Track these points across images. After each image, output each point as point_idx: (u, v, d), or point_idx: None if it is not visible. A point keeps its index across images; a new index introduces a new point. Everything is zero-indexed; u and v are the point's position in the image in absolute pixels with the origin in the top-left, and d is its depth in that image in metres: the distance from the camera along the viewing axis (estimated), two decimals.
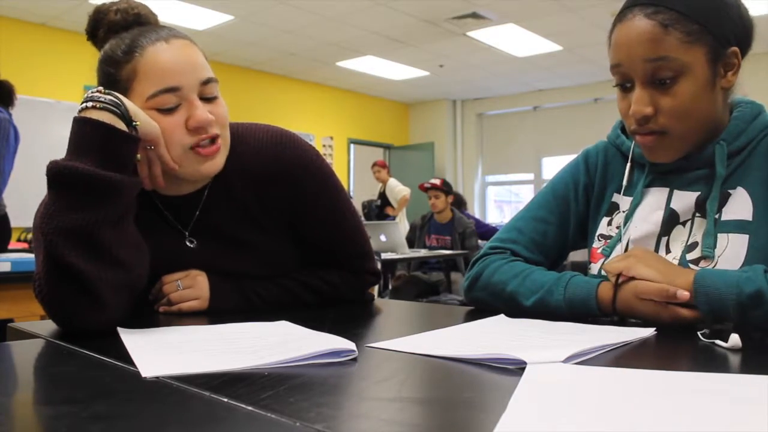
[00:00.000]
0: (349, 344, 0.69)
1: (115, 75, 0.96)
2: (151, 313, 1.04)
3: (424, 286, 4.68)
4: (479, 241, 5.17)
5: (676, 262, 0.95)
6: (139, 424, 0.47)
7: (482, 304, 1.07)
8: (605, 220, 1.09)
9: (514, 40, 6.75)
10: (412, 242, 5.41)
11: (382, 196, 7.22)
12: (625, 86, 0.96)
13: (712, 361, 0.68)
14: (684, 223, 0.99)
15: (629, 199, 1.05)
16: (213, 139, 0.99)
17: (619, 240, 1.04)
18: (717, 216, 0.95)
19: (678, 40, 0.90)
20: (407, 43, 6.94)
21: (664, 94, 0.92)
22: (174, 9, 5.57)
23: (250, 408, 0.50)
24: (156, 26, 1.02)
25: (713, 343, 0.73)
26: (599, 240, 1.09)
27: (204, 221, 1.09)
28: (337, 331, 0.77)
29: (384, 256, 4.31)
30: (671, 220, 1.00)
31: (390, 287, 4.83)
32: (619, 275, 0.89)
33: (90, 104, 0.88)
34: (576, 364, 0.63)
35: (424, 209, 5.78)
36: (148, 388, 0.57)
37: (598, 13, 5.84)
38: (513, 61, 7.62)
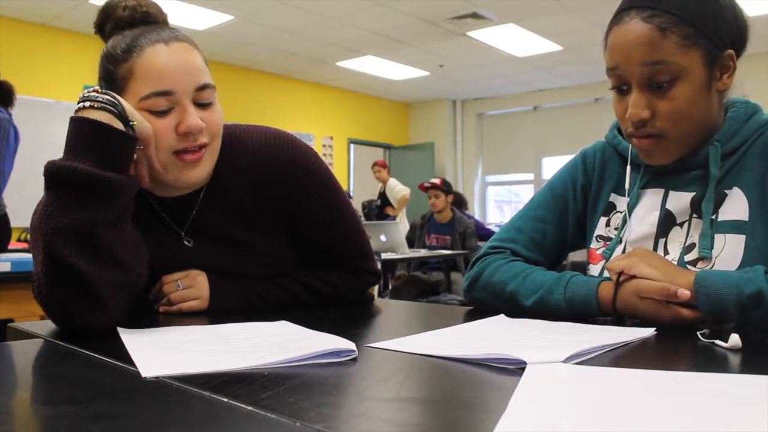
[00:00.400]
0: (349, 344, 0.69)
1: (113, 72, 0.97)
2: (151, 313, 1.04)
3: (424, 286, 4.68)
4: (479, 242, 5.17)
5: (674, 263, 0.95)
6: (139, 424, 0.47)
7: (482, 304, 1.07)
8: (603, 220, 1.09)
9: (514, 40, 6.75)
10: (412, 242, 5.41)
11: (382, 196, 7.23)
12: (621, 89, 0.96)
13: (712, 361, 0.68)
14: (681, 225, 0.99)
15: (626, 199, 1.06)
16: (198, 148, 0.98)
17: (619, 241, 1.04)
18: (714, 217, 0.95)
19: (675, 43, 0.90)
20: (407, 43, 6.94)
21: (661, 98, 0.92)
22: (174, 9, 5.57)
23: (250, 408, 0.50)
24: (159, 26, 1.01)
25: (713, 343, 0.73)
26: (597, 241, 1.09)
27: (200, 221, 1.09)
28: (337, 331, 0.77)
29: (384, 256, 4.31)
30: (668, 221, 1.00)
31: (390, 287, 4.83)
32: (620, 274, 0.89)
33: (87, 104, 0.88)
34: (576, 364, 0.63)
35: (424, 209, 5.78)
36: (148, 388, 0.57)
37: (598, 13, 5.83)
38: (513, 61, 7.62)
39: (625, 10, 0.94)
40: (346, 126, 9.23)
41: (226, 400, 0.52)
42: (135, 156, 0.94)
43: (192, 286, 1.05)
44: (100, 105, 0.87)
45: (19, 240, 4.16)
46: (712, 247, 0.93)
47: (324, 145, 8.84)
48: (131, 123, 0.90)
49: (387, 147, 9.91)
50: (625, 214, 1.05)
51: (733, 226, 0.94)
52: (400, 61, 7.63)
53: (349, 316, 1.07)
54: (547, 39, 6.75)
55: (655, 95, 0.92)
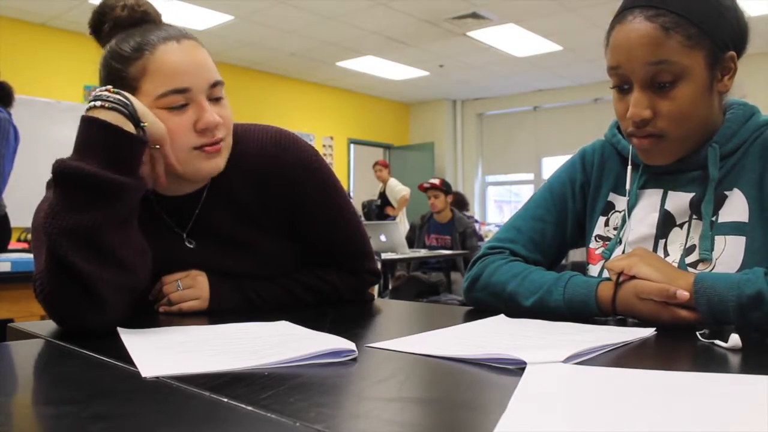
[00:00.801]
0: (349, 344, 0.69)
1: (122, 71, 0.96)
2: (151, 313, 1.04)
3: (424, 286, 4.69)
4: (479, 242, 5.17)
5: (675, 265, 0.95)
6: (139, 424, 0.47)
7: (482, 305, 1.07)
8: (602, 219, 1.09)
9: (514, 40, 6.75)
10: (411, 242, 5.41)
11: (382, 195, 7.23)
12: (622, 88, 0.96)
13: (712, 361, 0.68)
14: (681, 226, 0.99)
15: (625, 199, 1.06)
16: (215, 142, 0.99)
17: (619, 242, 1.04)
18: (714, 218, 0.95)
19: (679, 43, 0.89)
20: (407, 43, 6.94)
21: (663, 98, 0.92)
22: (174, 9, 5.57)
23: (250, 408, 0.50)
24: (163, 25, 1.01)
25: (713, 343, 0.73)
26: (596, 241, 1.09)
27: (203, 221, 1.09)
28: (337, 331, 0.77)
29: (384, 256, 4.31)
30: (667, 222, 1.00)
31: (390, 287, 4.83)
32: (620, 274, 0.89)
33: (98, 103, 0.87)
34: (576, 364, 0.63)
35: (424, 209, 5.78)
36: (148, 388, 0.57)
37: (598, 13, 5.84)
38: (513, 61, 7.62)
39: (628, 9, 0.94)
40: (346, 126, 9.23)
41: (226, 400, 0.52)
42: (152, 155, 0.94)
43: (192, 286, 1.05)
44: (111, 105, 0.87)
45: (19, 240, 4.16)
46: (712, 249, 0.93)
47: (324, 145, 8.84)
48: (142, 124, 0.90)
49: (387, 147, 9.90)
50: (624, 215, 1.05)
51: (733, 228, 0.93)
52: (400, 61, 7.63)
53: (349, 316, 1.07)
54: (547, 39, 6.75)
55: (657, 95, 0.92)
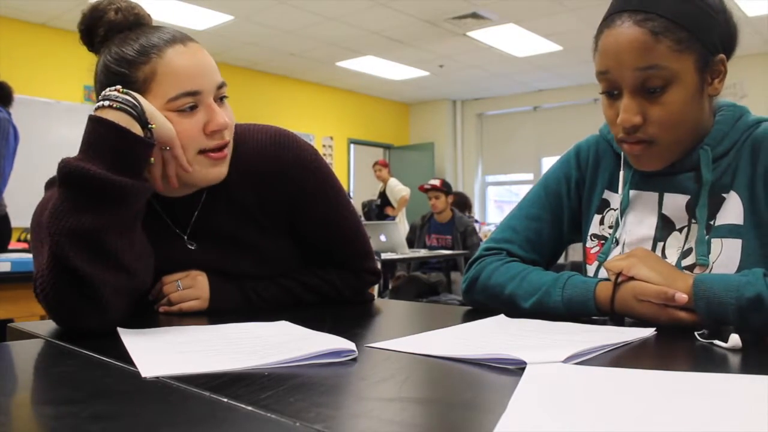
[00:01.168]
0: (348, 344, 0.69)
1: (130, 76, 0.95)
2: (151, 313, 1.04)
3: (423, 286, 4.69)
4: (480, 241, 5.17)
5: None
6: (139, 424, 0.47)
7: (481, 306, 1.07)
8: (597, 218, 1.09)
9: (514, 40, 6.75)
10: (412, 243, 5.41)
11: (382, 195, 7.23)
12: (612, 93, 0.94)
13: (712, 361, 0.68)
14: (680, 230, 0.98)
15: (619, 196, 1.05)
16: (222, 147, 1.00)
17: (616, 243, 1.03)
18: (712, 222, 0.95)
19: (668, 48, 0.88)
20: (407, 43, 6.94)
21: (654, 103, 0.90)
22: (174, 9, 5.57)
23: (250, 408, 0.50)
24: (162, 28, 1.01)
25: (712, 343, 0.73)
26: (592, 240, 1.08)
27: (203, 222, 1.09)
28: (337, 331, 0.77)
29: (384, 256, 4.31)
30: (667, 226, 1.00)
31: (390, 287, 4.83)
32: (618, 274, 0.89)
33: (106, 103, 0.87)
34: (576, 364, 0.63)
35: (424, 209, 5.78)
36: (148, 388, 0.57)
37: (598, 13, 5.73)
38: (513, 61, 7.62)
39: (616, 13, 0.92)
40: (346, 126, 9.23)
41: (226, 400, 0.52)
42: (162, 157, 0.94)
43: (192, 286, 1.05)
44: (119, 105, 0.87)
45: (19, 240, 4.16)
46: (708, 253, 0.93)
47: (324, 145, 8.84)
48: (150, 126, 0.89)
49: (387, 147, 9.90)
50: (618, 217, 1.04)
51: (730, 231, 0.93)
52: (400, 61, 7.63)
53: (349, 316, 1.07)
54: (547, 39, 6.74)
55: (647, 100, 0.91)
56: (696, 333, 0.77)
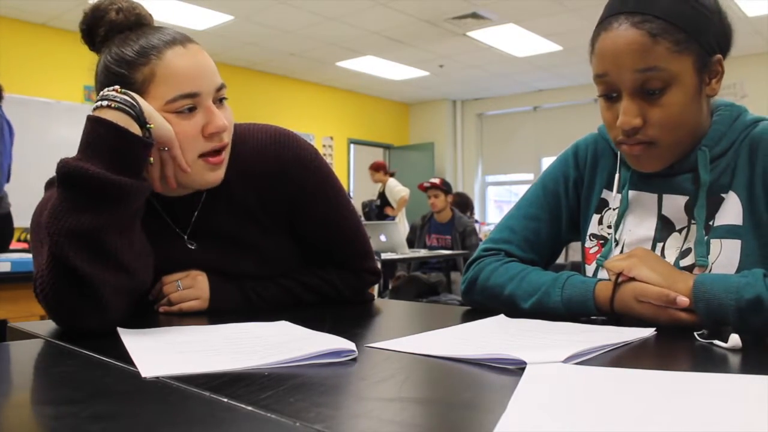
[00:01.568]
0: (348, 344, 0.69)
1: (129, 77, 0.95)
2: (151, 313, 1.04)
3: (423, 286, 4.69)
4: (479, 241, 5.17)
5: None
6: (139, 424, 0.47)
7: (481, 306, 1.07)
8: (595, 217, 1.08)
9: (514, 40, 6.75)
10: (412, 243, 5.41)
11: (382, 196, 7.23)
12: (610, 96, 0.94)
13: (712, 361, 0.68)
14: (680, 231, 0.98)
15: (618, 196, 1.05)
16: (220, 149, 0.99)
17: (616, 243, 1.03)
18: (711, 222, 0.95)
19: (667, 49, 0.88)
20: (407, 43, 6.94)
21: (653, 105, 0.90)
22: (174, 9, 5.57)
23: (250, 408, 0.50)
24: (162, 28, 1.01)
25: (711, 343, 0.73)
26: (591, 240, 1.08)
27: (203, 222, 1.09)
28: (337, 331, 0.77)
29: (384, 256, 4.31)
30: (666, 227, 0.99)
31: (390, 287, 4.83)
32: (618, 274, 0.89)
33: (105, 103, 0.87)
34: (576, 364, 0.63)
35: (424, 209, 5.78)
36: (148, 388, 0.57)
37: (598, 13, 5.72)
38: (513, 61, 7.62)
39: (613, 15, 0.92)
40: (346, 126, 9.23)
41: (226, 400, 0.52)
42: (160, 158, 0.94)
43: (192, 286, 1.05)
44: (117, 105, 0.87)
45: (19, 240, 4.16)
46: (708, 254, 0.93)
47: (324, 145, 8.84)
48: (148, 126, 0.89)
49: (387, 147, 9.90)
50: (618, 217, 1.04)
51: (728, 231, 0.93)
52: (400, 61, 7.63)
53: (349, 316, 1.07)
54: (547, 39, 6.74)
55: (647, 102, 0.90)
56: (696, 333, 0.77)
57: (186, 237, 1.09)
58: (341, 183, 1.17)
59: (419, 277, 4.79)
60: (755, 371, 0.58)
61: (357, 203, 7.40)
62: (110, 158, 0.85)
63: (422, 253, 4.96)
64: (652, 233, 1.00)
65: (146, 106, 0.90)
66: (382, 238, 4.72)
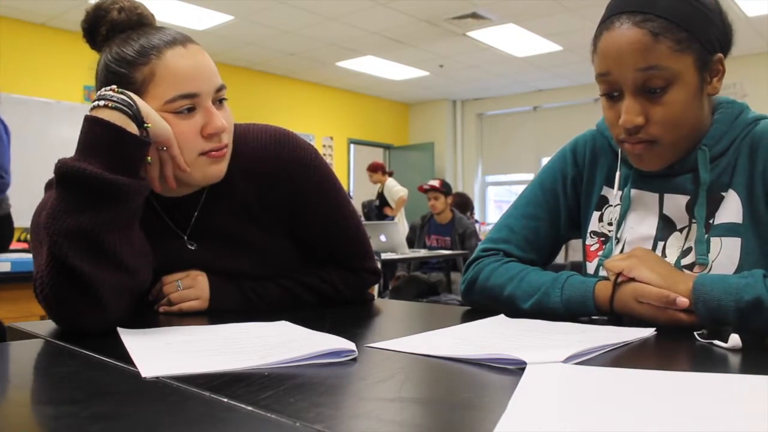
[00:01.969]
0: (348, 344, 0.69)
1: (128, 76, 0.95)
2: (151, 313, 1.04)
3: (423, 286, 4.68)
4: (478, 243, 5.17)
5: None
6: (139, 424, 0.47)
7: (481, 306, 1.07)
8: (596, 215, 1.08)
9: (514, 40, 6.75)
10: (412, 242, 5.41)
11: (380, 196, 7.22)
12: (612, 95, 0.94)
13: (712, 361, 0.68)
14: (681, 230, 0.98)
15: (618, 192, 1.05)
16: (219, 150, 0.99)
17: (617, 241, 1.03)
18: (711, 221, 0.95)
19: (668, 48, 0.88)
20: (407, 43, 6.94)
21: (655, 104, 0.90)
22: (174, 9, 5.57)
23: (250, 408, 0.50)
24: (163, 28, 1.01)
25: (711, 343, 0.73)
26: (591, 237, 1.08)
27: (203, 222, 1.09)
28: (337, 331, 0.77)
29: (384, 256, 4.31)
30: (667, 226, 1.00)
31: (390, 287, 4.83)
32: (618, 274, 0.89)
33: (102, 103, 0.87)
34: (576, 364, 0.63)
35: (424, 210, 5.78)
36: (148, 388, 0.57)
37: (598, 12, 5.73)
38: (513, 61, 7.62)
39: (615, 15, 0.92)
40: (346, 126, 9.23)
41: (226, 400, 0.52)
42: (159, 157, 0.94)
43: (192, 286, 1.05)
44: (114, 105, 0.87)
45: (19, 240, 4.16)
46: (708, 252, 0.93)
47: (324, 145, 8.84)
48: (146, 125, 0.89)
49: (387, 147, 9.90)
50: (620, 216, 1.04)
51: (729, 230, 0.93)
52: (400, 61, 7.63)
53: (349, 316, 1.07)
54: (547, 39, 6.74)
55: (649, 101, 0.91)
56: (696, 333, 0.77)
57: (186, 237, 1.09)
58: (341, 183, 1.17)
59: (419, 277, 4.79)
60: (755, 371, 0.58)
61: (357, 203, 7.40)
62: (108, 158, 0.85)
63: (422, 253, 4.96)
64: (653, 232, 1.00)
65: (144, 106, 0.90)
66: (382, 238, 4.72)
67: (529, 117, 9.42)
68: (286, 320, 0.90)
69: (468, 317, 0.99)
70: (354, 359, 0.67)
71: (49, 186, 1.02)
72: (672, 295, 0.83)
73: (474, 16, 6.01)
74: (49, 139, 5.67)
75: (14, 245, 3.51)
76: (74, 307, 0.84)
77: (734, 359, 0.67)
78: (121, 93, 0.89)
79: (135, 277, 0.90)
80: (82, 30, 1.03)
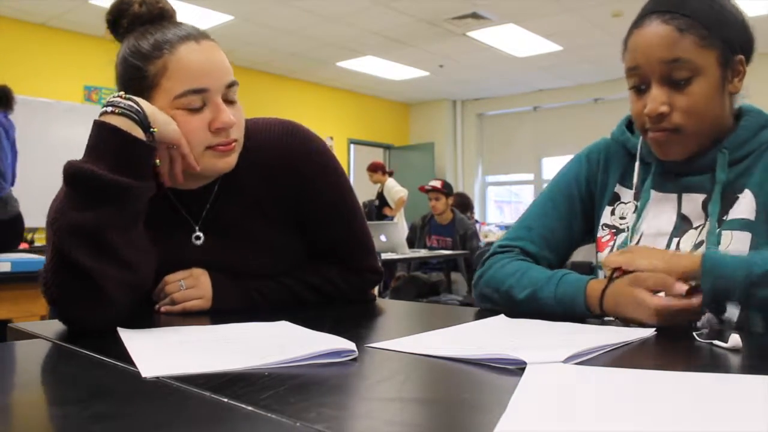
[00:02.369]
0: (349, 344, 0.69)
1: (142, 69, 0.97)
2: (152, 313, 1.04)
3: (424, 287, 4.68)
4: (479, 244, 5.17)
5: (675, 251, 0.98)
6: (139, 424, 0.47)
7: (486, 300, 1.09)
8: (608, 209, 1.12)
9: (514, 40, 6.75)
10: (412, 242, 5.40)
11: (380, 196, 7.22)
12: (639, 88, 0.99)
13: (712, 361, 0.68)
14: (697, 228, 1.01)
15: (630, 191, 1.09)
16: (227, 144, 1.01)
17: (634, 233, 1.05)
18: (724, 217, 0.98)
19: (693, 43, 0.94)
20: (407, 43, 6.94)
21: (680, 94, 0.96)
22: (174, 9, 5.56)
23: (250, 408, 0.50)
24: (180, 24, 1.03)
25: (711, 343, 0.73)
26: (603, 229, 1.11)
27: (214, 215, 1.10)
28: (337, 331, 0.77)
29: (384, 256, 4.31)
30: (684, 224, 1.03)
31: (390, 287, 4.83)
32: (614, 270, 0.90)
33: (110, 109, 0.90)
34: (576, 364, 0.63)
35: (424, 210, 5.78)
36: (148, 388, 0.57)
37: (598, 13, 5.84)
38: (513, 61, 7.62)
39: (646, 15, 0.99)
40: (346, 126, 9.23)
41: (226, 400, 0.52)
42: (169, 155, 0.97)
43: (195, 285, 1.05)
44: (121, 111, 0.90)
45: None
46: (718, 244, 0.95)
47: None
48: (152, 130, 0.92)
49: (387, 147, 9.90)
50: (637, 210, 1.06)
51: (740, 225, 0.96)
52: (400, 61, 7.63)
53: (349, 316, 1.07)
54: (547, 39, 6.74)
55: (674, 91, 0.96)
56: (695, 333, 0.77)
57: (197, 228, 1.09)
58: (349, 180, 1.18)
59: (419, 277, 4.79)
60: (755, 371, 0.58)
61: None
62: (114, 160, 0.88)
63: (422, 253, 4.96)
64: (670, 228, 1.03)
65: (150, 111, 0.93)
66: (383, 238, 4.72)
67: (529, 117, 9.42)
68: (286, 320, 0.90)
69: (468, 317, 0.99)
70: (354, 359, 0.67)
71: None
72: (669, 280, 0.84)
73: (474, 16, 6.01)
74: (49, 139, 5.67)
75: None
76: (76, 302, 0.86)
77: (734, 359, 0.68)
78: (129, 99, 0.92)
79: (137, 272, 0.92)
80: (106, 22, 1.06)
